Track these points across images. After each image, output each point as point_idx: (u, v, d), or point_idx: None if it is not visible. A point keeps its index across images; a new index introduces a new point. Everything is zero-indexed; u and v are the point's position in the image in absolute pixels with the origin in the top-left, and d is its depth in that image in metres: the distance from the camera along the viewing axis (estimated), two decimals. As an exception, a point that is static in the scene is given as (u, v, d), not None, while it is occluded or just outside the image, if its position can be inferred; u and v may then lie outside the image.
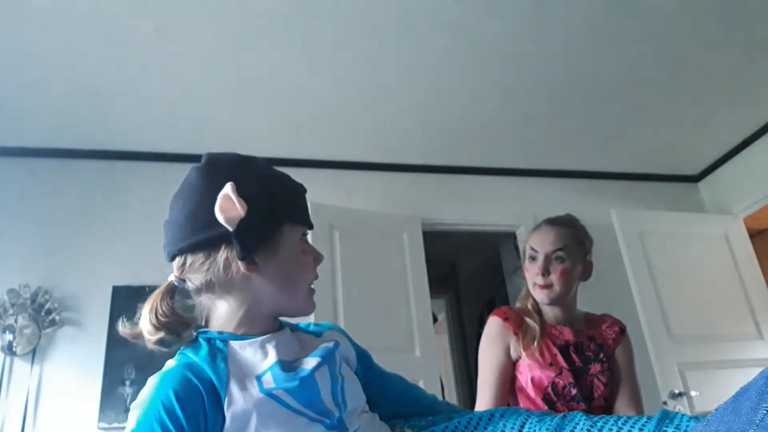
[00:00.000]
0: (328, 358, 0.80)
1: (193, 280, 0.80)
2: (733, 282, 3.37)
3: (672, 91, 2.99)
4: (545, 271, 1.50)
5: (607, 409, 1.49)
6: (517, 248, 3.72)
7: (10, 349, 2.63)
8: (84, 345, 2.74)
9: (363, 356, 0.92)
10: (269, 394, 0.72)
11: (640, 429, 0.74)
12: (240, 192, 0.77)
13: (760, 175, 3.44)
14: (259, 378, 0.74)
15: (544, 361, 1.44)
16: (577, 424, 0.79)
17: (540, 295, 1.52)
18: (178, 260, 0.81)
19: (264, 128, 3.06)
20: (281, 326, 0.85)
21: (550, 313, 1.55)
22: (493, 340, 1.51)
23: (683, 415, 0.73)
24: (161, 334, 0.76)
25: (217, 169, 0.81)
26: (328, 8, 2.27)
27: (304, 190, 0.87)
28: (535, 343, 1.45)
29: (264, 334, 0.80)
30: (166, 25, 2.29)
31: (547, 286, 1.50)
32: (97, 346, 2.72)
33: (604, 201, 3.61)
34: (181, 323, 0.78)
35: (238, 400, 0.71)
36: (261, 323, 0.81)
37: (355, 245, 3.06)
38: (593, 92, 2.95)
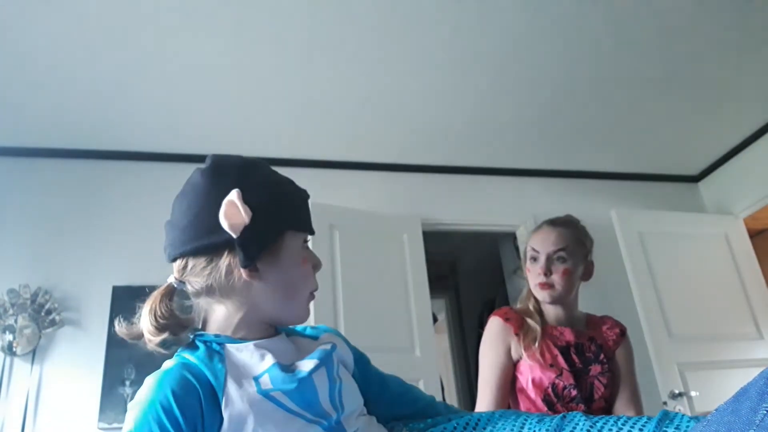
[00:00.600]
0: (325, 361, 0.80)
1: (194, 284, 0.80)
2: (733, 282, 3.37)
3: (672, 91, 2.99)
4: (547, 271, 1.51)
5: (607, 410, 1.49)
6: (517, 248, 3.72)
7: (10, 349, 2.63)
8: (84, 345, 2.73)
9: (360, 359, 0.92)
10: (266, 395, 0.72)
11: (640, 429, 0.74)
12: (245, 198, 0.76)
13: (760, 175, 3.44)
14: (256, 379, 0.74)
15: (545, 362, 1.44)
16: (577, 424, 0.79)
17: (542, 294, 1.52)
18: (179, 263, 0.81)
19: (264, 128, 3.06)
20: (277, 331, 0.85)
21: (552, 313, 1.55)
22: (494, 340, 1.51)
23: (683, 415, 0.73)
24: (164, 336, 0.77)
25: (222, 172, 0.81)
26: (328, 8, 2.27)
27: (307, 196, 0.87)
28: (536, 344, 1.45)
29: (260, 339, 0.80)
30: (166, 25, 2.29)
31: (549, 286, 1.50)
32: (97, 346, 2.72)
33: (604, 201, 3.61)
34: (179, 325, 0.79)
35: (235, 401, 0.71)
36: (258, 328, 0.81)
37: (355, 245, 3.06)
38: (593, 92, 2.95)
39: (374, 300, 2.99)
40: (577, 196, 3.67)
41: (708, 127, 3.37)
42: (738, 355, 3.13)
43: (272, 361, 0.76)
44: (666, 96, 3.03)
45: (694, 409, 2.87)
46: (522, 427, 0.82)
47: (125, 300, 2.78)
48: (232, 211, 0.76)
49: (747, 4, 2.41)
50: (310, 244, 0.88)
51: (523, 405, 1.48)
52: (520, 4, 2.32)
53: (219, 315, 0.81)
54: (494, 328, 1.53)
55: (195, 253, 0.79)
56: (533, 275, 1.55)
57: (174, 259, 0.81)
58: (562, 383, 1.42)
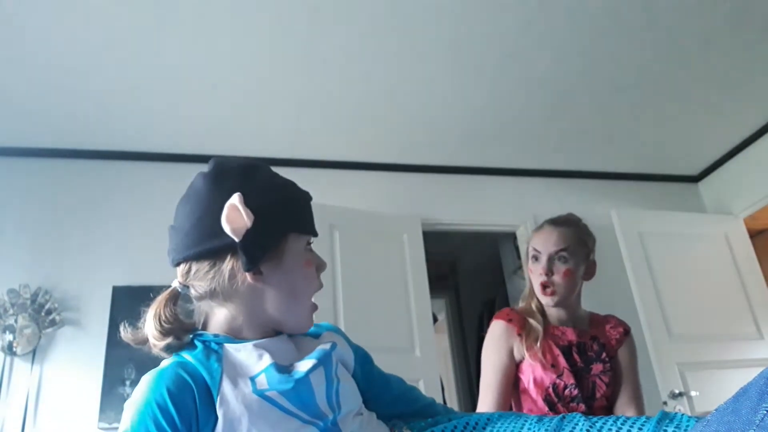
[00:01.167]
0: (324, 360, 0.80)
1: (197, 288, 0.80)
2: (733, 282, 3.37)
3: (672, 91, 2.99)
4: (548, 272, 1.51)
5: (609, 409, 1.49)
6: (517, 248, 3.72)
7: (10, 349, 2.63)
8: (84, 345, 2.74)
9: (362, 357, 0.92)
10: (262, 395, 0.72)
11: (639, 429, 0.74)
12: (247, 202, 0.76)
13: (760, 175, 3.44)
14: (252, 379, 0.74)
15: (546, 362, 1.45)
16: (576, 425, 0.79)
17: (545, 300, 1.53)
18: (182, 267, 0.81)
19: (264, 128, 3.06)
20: (278, 331, 0.85)
21: (554, 313, 1.55)
22: (497, 342, 1.52)
23: (683, 415, 0.73)
24: (168, 340, 0.77)
25: (225, 176, 0.81)
26: (328, 8, 2.27)
27: (310, 198, 0.87)
28: (538, 344, 1.46)
29: (260, 339, 0.80)
30: (166, 25, 2.29)
31: (551, 289, 1.51)
32: (97, 346, 2.72)
33: (604, 201, 3.61)
34: (182, 329, 0.80)
35: (230, 400, 0.71)
36: (259, 330, 0.81)
37: (355, 245, 3.06)
38: (593, 92, 2.95)
39: (374, 300, 2.99)
40: (577, 196, 3.67)
41: (708, 127, 3.37)
42: (738, 355, 3.13)
43: (269, 362, 0.76)
44: (666, 96, 3.03)
45: (694, 409, 2.87)
46: (522, 428, 0.82)
47: (125, 300, 2.78)
48: (234, 215, 0.76)
49: (747, 4, 2.41)
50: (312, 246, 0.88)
51: (525, 405, 1.48)
52: (521, 4, 2.32)
53: (220, 317, 0.81)
54: (497, 330, 1.53)
55: (198, 257, 0.79)
56: (535, 275, 1.55)
57: (177, 264, 0.82)
58: (563, 383, 1.43)
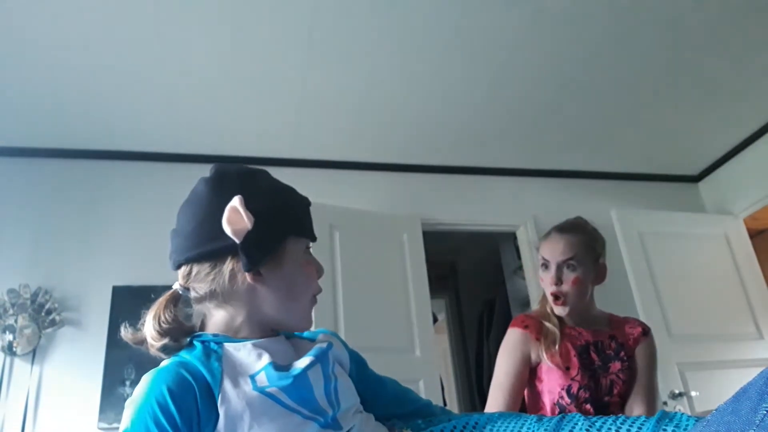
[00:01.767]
0: (320, 358, 0.82)
1: (198, 289, 0.82)
2: (733, 282, 3.37)
3: (672, 91, 2.99)
4: (558, 281, 1.52)
5: (622, 406, 1.49)
6: (517, 248, 3.72)
7: (10, 349, 2.63)
8: (84, 345, 2.73)
9: (357, 360, 0.94)
10: (262, 391, 0.74)
11: (639, 428, 0.74)
12: (247, 205, 0.78)
13: (760, 175, 3.44)
14: (252, 377, 0.75)
15: (563, 364, 1.46)
16: (576, 424, 0.79)
17: (557, 309, 1.54)
18: (183, 269, 0.83)
19: (264, 128, 3.06)
20: (277, 332, 0.87)
21: (569, 317, 1.56)
22: (512, 349, 1.52)
23: (682, 414, 0.73)
24: (165, 341, 0.79)
25: (225, 181, 0.83)
26: (328, 8, 2.27)
27: (308, 203, 0.90)
28: (557, 346, 1.46)
29: (259, 339, 0.81)
30: (166, 25, 2.29)
31: (562, 299, 1.51)
32: (97, 346, 2.72)
33: (604, 201, 3.61)
34: (181, 331, 0.81)
35: (231, 397, 0.72)
36: (257, 330, 0.83)
37: (355, 245, 3.06)
38: (593, 92, 2.95)
39: (374, 300, 2.98)
40: (577, 196, 3.67)
41: (708, 127, 3.37)
42: (738, 355, 3.13)
43: (268, 360, 0.77)
44: (666, 96, 3.03)
45: (694, 409, 2.87)
46: (521, 428, 0.82)
47: (125, 300, 2.78)
48: (235, 217, 0.78)
49: (747, 4, 2.41)
50: (310, 245, 0.89)
51: (538, 407, 1.49)
52: (520, 4, 2.32)
53: (219, 318, 0.83)
54: (512, 338, 1.54)
55: (199, 259, 0.81)
56: (546, 284, 1.56)
57: (179, 266, 0.83)
58: (577, 384, 1.43)
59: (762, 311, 3.33)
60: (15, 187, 2.97)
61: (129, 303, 2.77)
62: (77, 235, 2.93)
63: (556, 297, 1.51)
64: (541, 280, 1.59)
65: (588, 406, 1.42)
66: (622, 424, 0.76)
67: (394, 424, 0.91)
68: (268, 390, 0.74)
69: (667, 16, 2.45)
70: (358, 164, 3.43)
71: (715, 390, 2.87)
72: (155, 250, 2.57)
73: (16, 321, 2.65)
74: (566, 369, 1.45)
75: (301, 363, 0.79)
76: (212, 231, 0.79)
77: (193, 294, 0.83)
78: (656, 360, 1.56)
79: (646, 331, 1.58)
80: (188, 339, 0.81)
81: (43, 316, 2.71)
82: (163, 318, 0.80)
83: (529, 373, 1.51)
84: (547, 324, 1.51)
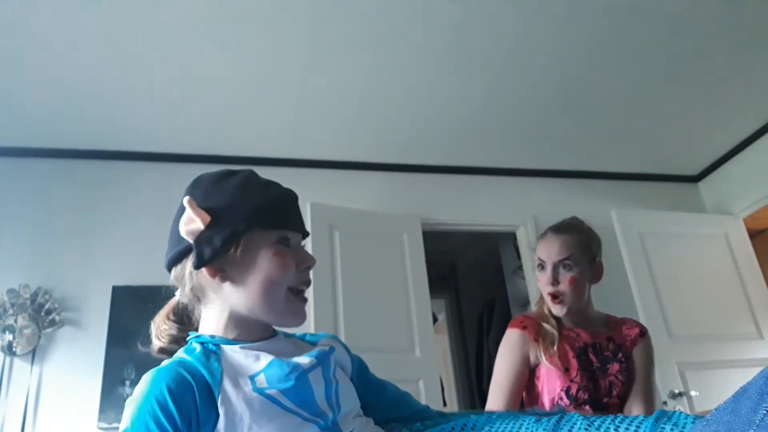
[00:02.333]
0: (322, 361, 0.82)
1: (184, 291, 0.85)
2: (733, 282, 3.37)
3: (672, 91, 2.99)
4: (554, 281, 1.52)
5: (621, 407, 1.49)
6: (517, 248, 3.72)
7: (10, 349, 2.63)
8: (84, 345, 2.73)
9: (359, 365, 0.94)
10: (262, 392, 0.74)
11: (637, 428, 0.74)
12: (206, 204, 0.81)
13: (760, 175, 3.44)
14: (252, 378, 0.75)
15: (561, 365, 1.46)
16: (574, 424, 0.79)
17: (554, 309, 1.54)
18: (171, 273, 0.86)
19: (264, 128, 3.06)
20: (275, 333, 0.87)
21: (567, 317, 1.56)
22: (511, 350, 1.52)
23: (681, 413, 0.73)
24: (162, 344, 0.85)
25: (197, 184, 0.86)
26: (328, 9, 2.27)
27: (288, 196, 0.87)
28: (555, 348, 1.46)
29: (257, 341, 0.82)
30: (166, 25, 2.29)
31: (559, 299, 1.52)
32: (97, 346, 2.72)
33: (604, 201, 3.61)
34: (182, 334, 0.86)
35: (231, 398, 0.72)
36: (250, 330, 0.83)
37: (355, 245, 3.06)
38: (593, 92, 2.95)
39: (374, 300, 2.98)
40: (577, 196, 3.67)
41: (708, 127, 3.37)
42: (738, 355, 3.13)
43: (267, 361, 0.77)
44: (666, 96, 3.03)
45: (694, 409, 2.87)
46: (520, 428, 0.82)
47: (125, 300, 2.78)
48: (187, 217, 0.80)
49: (746, 4, 2.41)
50: (310, 245, 0.89)
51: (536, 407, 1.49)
52: (520, 4, 2.32)
53: (207, 318, 0.84)
54: (511, 338, 1.54)
55: (173, 262, 0.84)
56: (542, 285, 1.57)
57: (168, 271, 0.87)
58: (576, 385, 1.43)
59: (762, 311, 3.33)
60: (15, 187, 2.97)
61: (129, 303, 2.77)
62: (77, 235, 2.93)
63: (555, 296, 1.52)
64: (537, 280, 1.59)
65: (587, 408, 1.42)
66: (620, 423, 0.76)
67: (393, 428, 0.91)
68: (267, 391, 0.74)
69: (667, 16, 2.45)
70: (358, 164, 3.43)
71: (715, 390, 2.87)
72: (155, 250, 2.57)
73: (16, 321, 2.65)
74: (565, 370, 1.45)
75: (302, 360, 0.79)
76: (178, 234, 0.82)
77: (181, 297, 0.86)
78: (653, 360, 1.57)
79: (643, 332, 1.58)
80: (188, 341, 0.82)
81: (43, 316, 2.71)
82: (163, 323, 0.86)
83: (528, 374, 1.51)
84: (545, 325, 1.51)
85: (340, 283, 2.93)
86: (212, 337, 0.81)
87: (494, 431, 0.83)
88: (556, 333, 1.49)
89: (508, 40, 2.53)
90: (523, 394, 1.53)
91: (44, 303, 2.73)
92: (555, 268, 1.52)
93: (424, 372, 2.92)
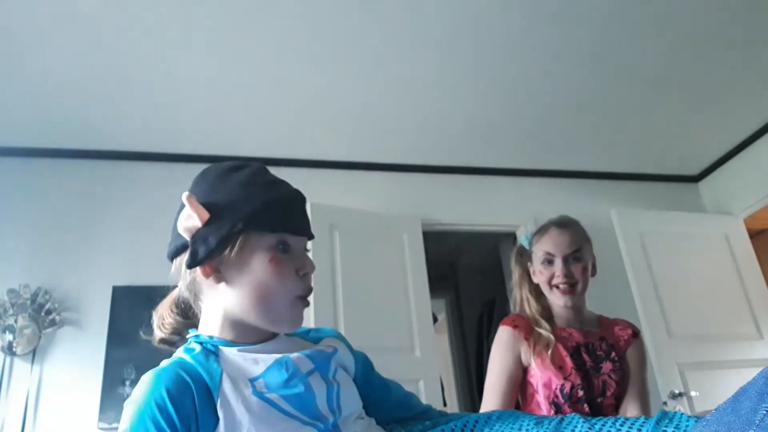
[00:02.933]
0: (322, 363, 0.81)
1: (181, 285, 0.84)
2: (733, 282, 3.37)
3: (672, 91, 2.99)
4: (568, 273, 1.53)
5: (617, 407, 1.49)
6: (517, 248, 3.71)
7: (10, 349, 2.63)
8: (84, 345, 2.74)
9: (363, 363, 0.92)
10: (261, 397, 0.73)
11: (639, 429, 0.74)
12: (208, 198, 0.78)
13: (760, 175, 3.44)
14: (252, 381, 0.74)
15: (554, 365, 1.45)
16: (575, 427, 0.79)
17: (563, 299, 1.53)
18: (172, 265, 0.84)
19: (264, 128, 3.06)
20: (275, 333, 0.84)
21: (562, 315, 1.56)
22: (504, 348, 1.52)
23: (682, 414, 0.73)
24: (163, 335, 0.83)
25: (204, 177, 0.83)
26: (328, 9, 2.27)
27: (291, 198, 0.83)
28: (549, 351, 1.46)
29: (256, 342, 0.81)
30: (166, 25, 2.29)
31: (571, 287, 1.52)
32: (97, 346, 2.72)
33: (604, 201, 3.61)
34: (185, 326, 0.85)
35: (230, 401, 0.72)
36: (249, 331, 0.81)
37: (355, 245, 3.06)
38: (593, 92, 2.95)
39: (374, 300, 2.98)
40: (577, 196, 3.67)
41: (708, 127, 3.36)
42: (738, 355, 3.13)
43: (267, 365, 0.76)
44: (666, 96, 3.03)
45: (694, 409, 2.87)
46: (519, 430, 0.81)
47: (125, 300, 2.78)
48: (186, 214, 0.78)
49: (747, 4, 2.41)
50: (310, 245, 0.86)
51: (532, 407, 1.48)
52: (521, 5, 2.32)
53: (206, 315, 0.83)
54: (503, 336, 1.54)
55: (173, 255, 0.83)
56: (546, 278, 1.56)
57: (171, 262, 0.85)
58: (570, 383, 1.43)
59: (762, 311, 3.33)
60: (15, 187, 2.97)
61: (129, 303, 2.77)
62: (77, 235, 2.93)
63: (571, 285, 1.52)
64: (539, 273, 1.58)
65: (582, 407, 1.41)
66: (621, 425, 0.76)
67: (393, 429, 0.90)
68: (267, 396, 0.73)
69: (667, 16, 2.45)
70: (358, 164, 3.43)
71: (715, 390, 2.87)
72: (155, 250, 2.56)
73: (16, 321, 2.65)
74: (558, 368, 1.45)
75: (301, 364, 0.78)
76: (177, 229, 0.80)
77: (180, 291, 0.85)
78: (647, 361, 1.58)
79: (636, 333, 1.59)
80: (189, 339, 0.81)
81: (43, 316, 2.71)
82: (165, 316, 0.84)
83: (521, 373, 1.51)
84: (539, 329, 1.51)
85: (340, 283, 2.93)
86: (210, 337, 0.80)
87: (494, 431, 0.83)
88: (551, 337, 1.48)
89: (508, 40, 2.53)
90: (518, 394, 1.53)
91: (44, 303, 2.73)
92: (566, 260, 1.54)
93: (424, 372, 2.92)
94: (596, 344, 1.52)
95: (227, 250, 0.77)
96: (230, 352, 0.78)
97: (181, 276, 0.82)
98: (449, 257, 5.07)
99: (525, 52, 2.61)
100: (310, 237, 0.84)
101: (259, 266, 0.78)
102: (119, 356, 2.68)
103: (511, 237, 3.77)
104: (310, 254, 0.85)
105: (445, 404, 3.73)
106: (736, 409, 0.55)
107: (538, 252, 1.59)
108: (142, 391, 0.71)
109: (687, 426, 0.70)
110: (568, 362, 1.45)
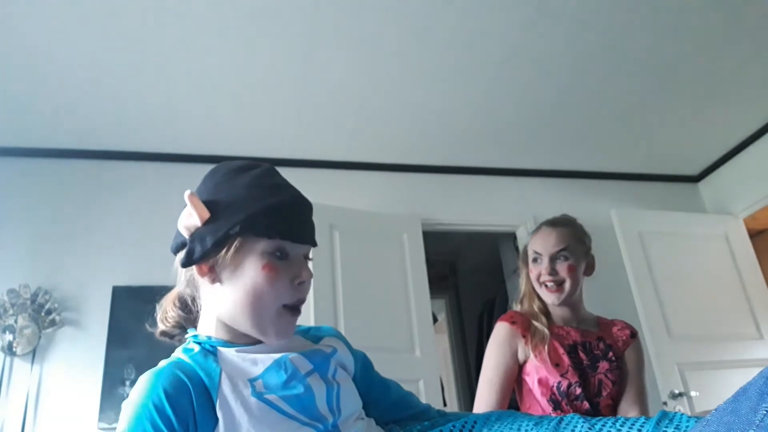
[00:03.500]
0: (321, 364, 0.81)
1: (182, 282, 0.84)
2: (733, 282, 3.36)
3: (672, 91, 2.99)
4: (552, 271, 1.54)
5: (615, 408, 1.49)
6: (517, 248, 3.71)
7: (10, 349, 2.63)
8: (84, 345, 2.73)
9: (363, 362, 0.92)
10: (260, 397, 0.73)
11: (639, 430, 0.74)
12: (212, 197, 0.78)
13: (760, 175, 3.44)
14: (251, 382, 0.74)
15: (551, 362, 1.45)
16: (575, 427, 0.79)
17: (551, 297, 1.54)
18: (175, 260, 0.84)
19: (264, 128, 3.06)
20: None
21: (559, 313, 1.57)
22: (501, 343, 1.53)
23: (682, 414, 0.73)
24: (165, 328, 0.85)
25: (213, 174, 0.83)
26: (328, 9, 2.27)
27: (294, 204, 0.81)
28: (545, 346, 1.47)
29: (254, 343, 0.80)
30: (166, 25, 2.29)
31: (558, 286, 1.53)
32: (97, 346, 2.72)
33: (604, 201, 3.61)
34: (188, 321, 0.85)
35: (229, 402, 0.72)
36: (240, 334, 0.80)
37: (355, 245, 3.06)
38: (593, 92, 2.95)
39: (374, 300, 2.98)
40: (577, 196, 3.67)
41: (708, 127, 3.36)
42: (738, 355, 3.13)
43: (266, 365, 0.76)
44: (666, 96, 3.03)
45: (694, 409, 2.87)
46: (518, 430, 0.81)
47: (125, 300, 2.78)
48: (187, 212, 0.78)
49: (747, 4, 2.41)
50: (312, 255, 0.85)
51: (531, 405, 1.48)
52: (521, 4, 2.32)
53: (204, 313, 0.83)
54: (501, 332, 1.54)
55: (175, 252, 0.83)
56: (535, 276, 1.58)
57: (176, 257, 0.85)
58: (567, 381, 1.43)
59: (762, 311, 3.33)
60: (15, 187, 2.97)
61: (129, 303, 2.77)
62: (77, 235, 2.93)
63: (556, 284, 1.53)
64: (530, 272, 1.60)
65: (581, 404, 1.42)
66: (621, 425, 0.76)
67: (391, 429, 0.90)
68: (266, 396, 0.73)
69: (667, 16, 2.45)
70: (358, 164, 3.43)
71: (715, 390, 2.87)
72: (155, 250, 2.57)
73: (16, 321, 2.65)
74: (555, 366, 1.45)
75: (300, 365, 0.78)
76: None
77: (182, 287, 0.85)
78: (644, 362, 1.58)
79: (634, 334, 1.59)
80: (188, 338, 0.81)
81: (43, 316, 2.71)
82: (169, 310, 0.85)
83: (517, 369, 1.51)
84: (536, 323, 1.52)
85: (340, 283, 2.93)
86: (208, 338, 0.79)
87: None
88: (547, 332, 1.49)
89: (508, 40, 2.52)
90: (515, 391, 1.53)
91: (44, 303, 2.73)
92: (552, 258, 1.55)
93: (424, 372, 2.92)
94: (593, 343, 1.52)
95: (223, 252, 0.76)
96: (228, 353, 0.77)
97: (179, 272, 0.83)
98: (449, 257, 5.08)
99: (525, 52, 2.61)
100: (312, 245, 0.82)
101: (252, 271, 0.77)
102: (119, 356, 2.68)
103: (511, 237, 3.77)
104: (311, 263, 0.83)
105: (444, 404, 3.73)
106: (736, 409, 0.55)
107: (530, 251, 1.62)
108: (139, 392, 0.71)
109: (687, 426, 0.70)
110: (565, 360, 1.46)
